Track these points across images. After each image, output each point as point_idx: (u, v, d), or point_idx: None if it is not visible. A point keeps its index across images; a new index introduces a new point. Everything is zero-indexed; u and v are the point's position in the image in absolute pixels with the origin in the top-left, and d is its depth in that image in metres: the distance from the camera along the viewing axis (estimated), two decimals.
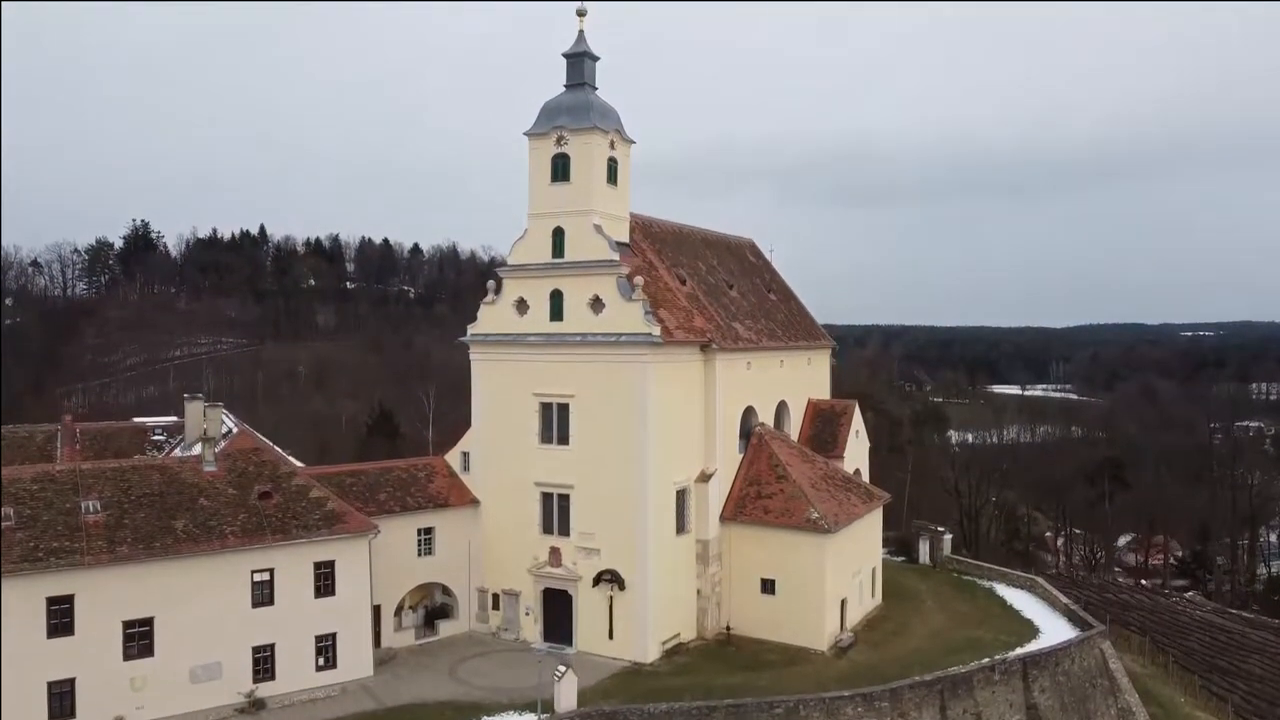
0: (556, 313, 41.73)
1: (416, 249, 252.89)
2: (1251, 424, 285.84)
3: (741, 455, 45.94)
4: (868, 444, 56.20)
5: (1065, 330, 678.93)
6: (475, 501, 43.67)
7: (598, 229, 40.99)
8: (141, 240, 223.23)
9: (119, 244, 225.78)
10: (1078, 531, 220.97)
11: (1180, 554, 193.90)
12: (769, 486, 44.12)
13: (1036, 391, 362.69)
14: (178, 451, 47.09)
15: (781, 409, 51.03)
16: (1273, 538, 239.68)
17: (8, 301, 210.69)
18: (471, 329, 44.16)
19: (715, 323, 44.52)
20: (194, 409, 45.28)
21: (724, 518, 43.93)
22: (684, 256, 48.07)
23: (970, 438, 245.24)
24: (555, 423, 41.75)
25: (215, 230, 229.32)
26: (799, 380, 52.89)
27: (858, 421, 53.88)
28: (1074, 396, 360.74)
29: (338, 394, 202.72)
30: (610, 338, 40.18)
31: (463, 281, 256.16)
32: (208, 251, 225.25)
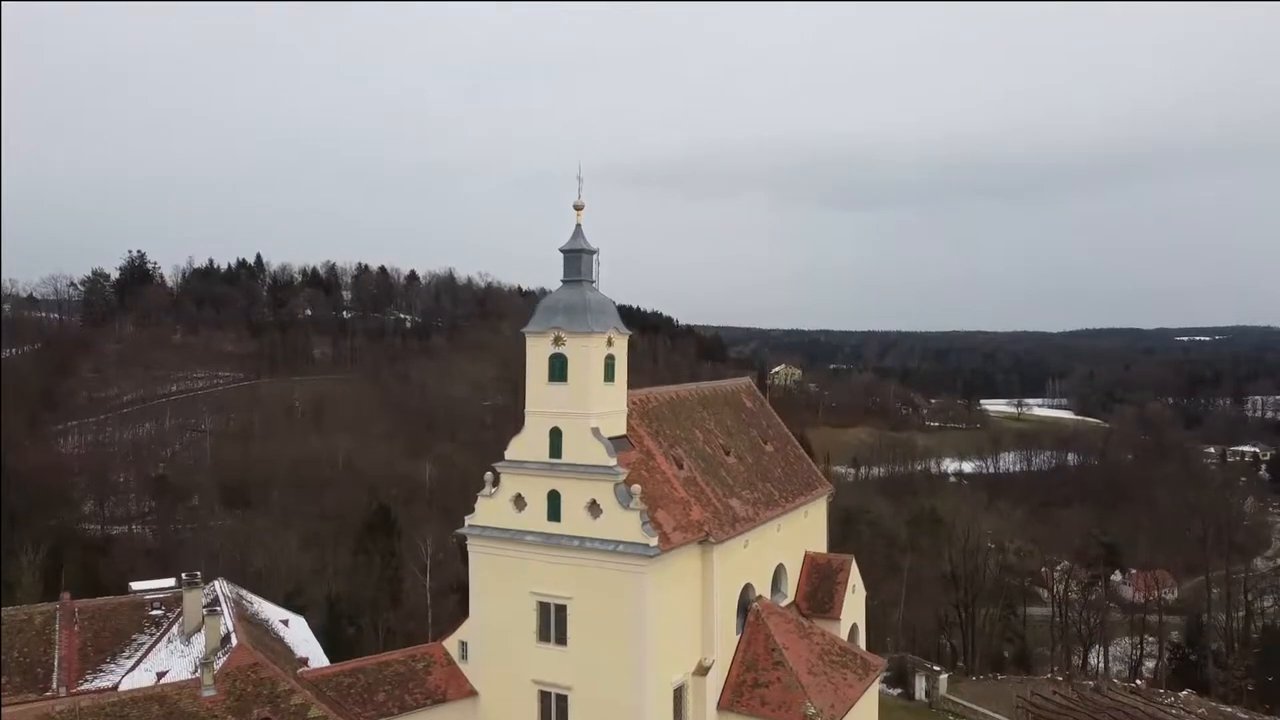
0: (554, 513, 41.81)
1: (413, 276, 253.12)
2: (1247, 448, 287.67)
3: (739, 635, 46.09)
4: (864, 593, 56.34)
5: (1062, 336, 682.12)
6: (474, 693, 43.76)
7: (595, 432, 41.10)
8: (138, 272, 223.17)
9: (115, 274, 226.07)
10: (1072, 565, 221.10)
11: (1174, 597, 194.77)
12: (766, 674, 44.27)
13: (1033, 408, 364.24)
14: (174, 631, 47.24)
15: (779, 572, 51.24)
16: (1266, 569, 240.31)
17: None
18: (469, 520, 44.27)
19: (713, 506, 44.64)
20: (192, 599, 45.53)
21: (721, 706, 44.03)
22: (681, 430, 48.15)
23: (966, 467, 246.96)
24: (553, 622, 41.84)
25: (212, 261, 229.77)
26: (796, 538, 53.07)
27: (854, 577, 54.05)
28: (1070, 415, 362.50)
29: (335, 430, 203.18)
30: (608, 545, 40.28)
31: (459, 310, 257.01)
32: (204, 282, 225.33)
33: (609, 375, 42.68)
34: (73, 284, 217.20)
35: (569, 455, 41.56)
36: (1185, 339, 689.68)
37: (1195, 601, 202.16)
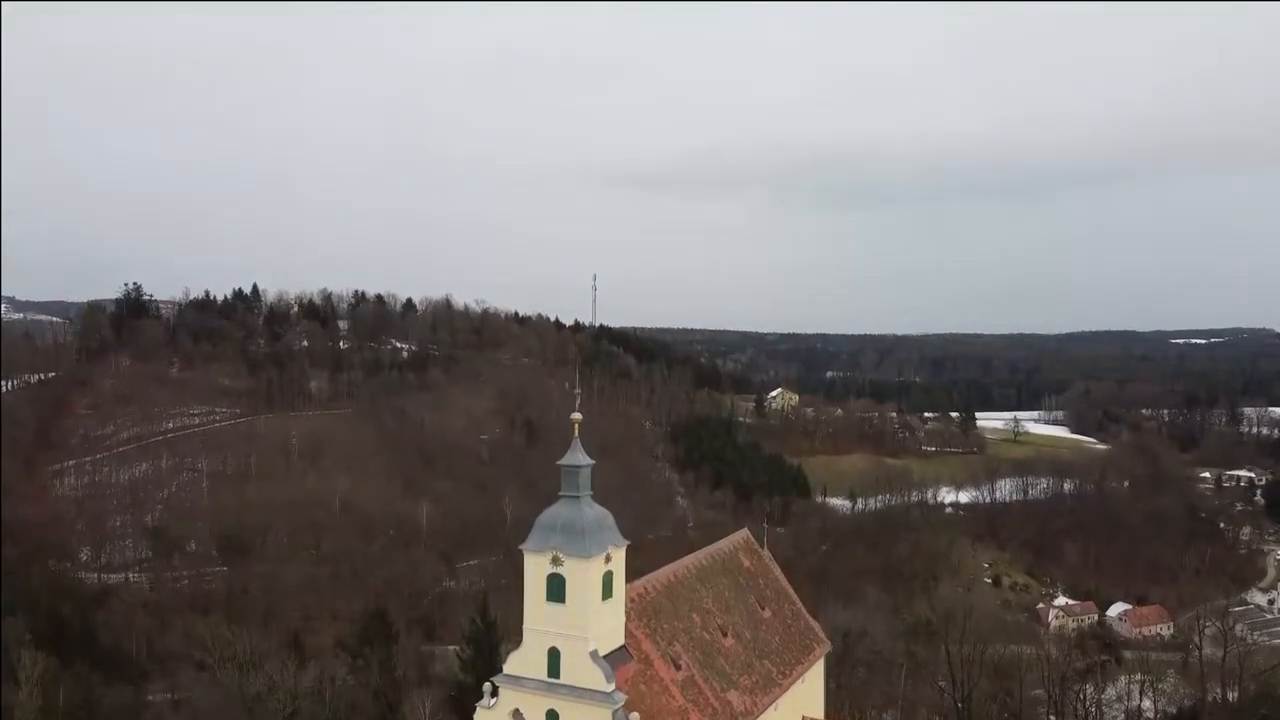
0: None
1: (410, 305, 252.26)
2: (1242, 473, 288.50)
3: None
4: None
5: (1058, 339, 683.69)
6: None
7: (593, 655, 41.10)
8: (134, 305, 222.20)
9: (111, 307, 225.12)
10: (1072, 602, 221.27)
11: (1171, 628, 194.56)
12: None
13: (1030, 426, 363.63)
14: None
15: None
16: (1262, 600, 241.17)
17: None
18: None
19: (711, 707, 44.62)
20: None
21: None
22: (679, 621, 48.07)
23: (963, 497, 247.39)
24: None
25: (208, 292, 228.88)
26: (794, 707, 53.13)
27: None
28: (1067, 433, 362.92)
29: (332, 468, 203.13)
30: None
31: (456, 339, 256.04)
32: (200, 315, 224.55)
33: (608, 592, 42.67)
34: (69, 319, 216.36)
35: (567, 677, 41.53)
36: (1180, 342, 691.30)
37: (1191, 634, 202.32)
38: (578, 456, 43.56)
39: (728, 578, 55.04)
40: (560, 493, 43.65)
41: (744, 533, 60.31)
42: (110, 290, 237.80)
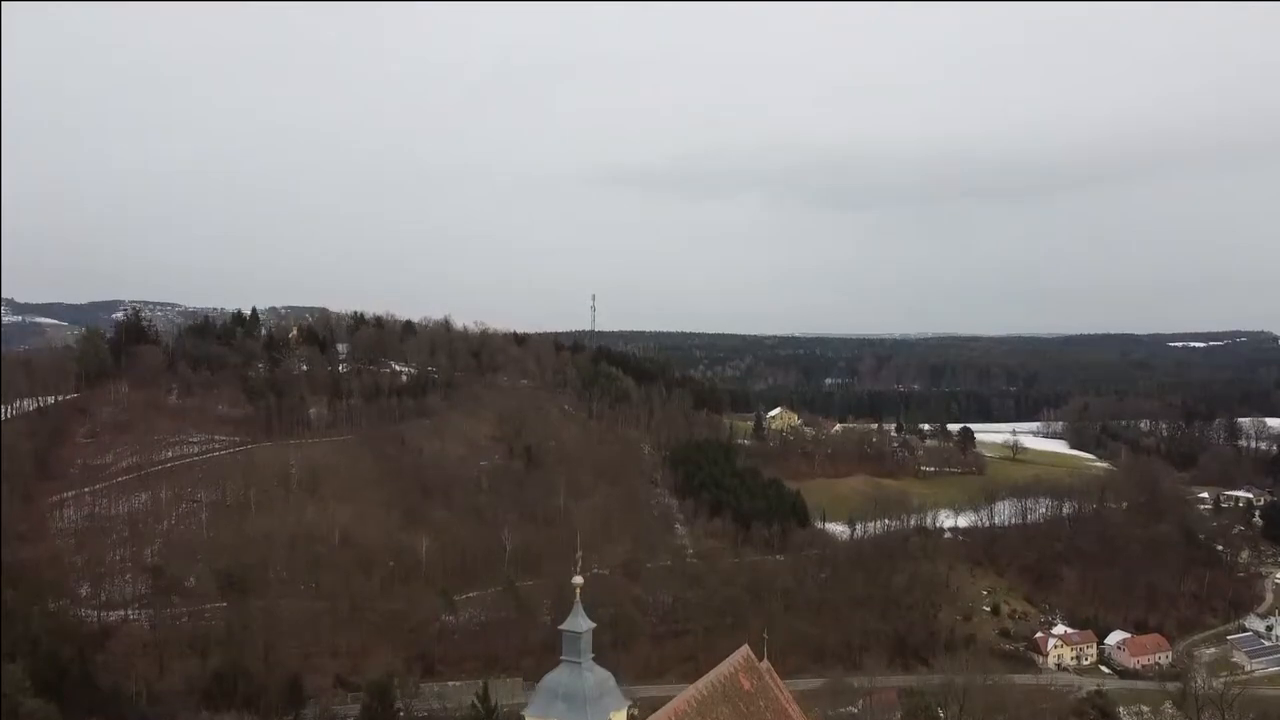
0: None
1: (409, 327, 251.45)
2: (1240, 493, 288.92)
3: None
4: None
5: (1056, 342, 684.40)
6: None
7: None
8: (133, 330, 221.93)
9: (109, 330, 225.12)
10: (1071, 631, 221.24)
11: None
12: None
13: (1028, 439, 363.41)
14: None
15: None
16: (1260, 626, 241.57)
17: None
18: None
19: None
20: None
21: None
22: None
23: (962, 522, 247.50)
24: None
25: (207, 318, 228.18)
26: None
27: None
28: (1065, 448, 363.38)
29: (331, 498, 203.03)
30: None
31: (456, 362, 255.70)
32: (199, 340, 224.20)
33: None
34: (68, 345, 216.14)
35: None
36: (1179, 345, 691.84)
37: (1189, 664, 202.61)
38: (579, 621, 43.44)
39: (728, 705, 54.98)
40: (562, 657, 43.55)
41: (744, 650, 60.24)
42: (109, 292, 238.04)
